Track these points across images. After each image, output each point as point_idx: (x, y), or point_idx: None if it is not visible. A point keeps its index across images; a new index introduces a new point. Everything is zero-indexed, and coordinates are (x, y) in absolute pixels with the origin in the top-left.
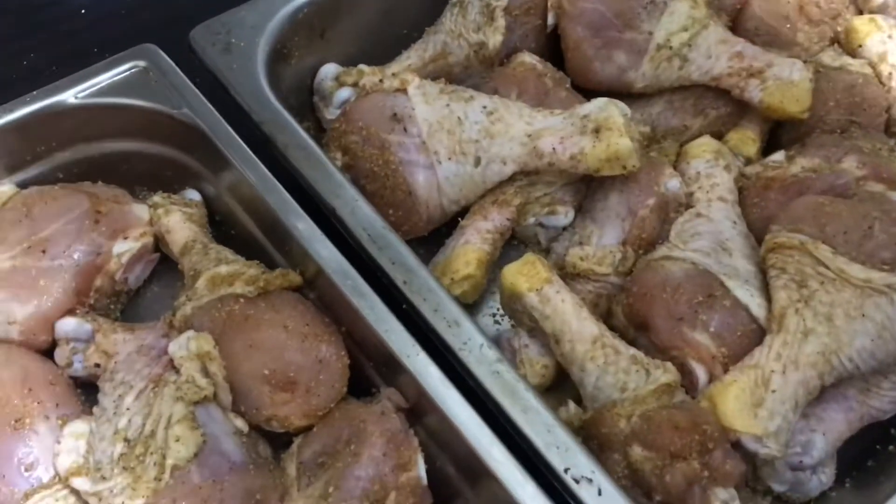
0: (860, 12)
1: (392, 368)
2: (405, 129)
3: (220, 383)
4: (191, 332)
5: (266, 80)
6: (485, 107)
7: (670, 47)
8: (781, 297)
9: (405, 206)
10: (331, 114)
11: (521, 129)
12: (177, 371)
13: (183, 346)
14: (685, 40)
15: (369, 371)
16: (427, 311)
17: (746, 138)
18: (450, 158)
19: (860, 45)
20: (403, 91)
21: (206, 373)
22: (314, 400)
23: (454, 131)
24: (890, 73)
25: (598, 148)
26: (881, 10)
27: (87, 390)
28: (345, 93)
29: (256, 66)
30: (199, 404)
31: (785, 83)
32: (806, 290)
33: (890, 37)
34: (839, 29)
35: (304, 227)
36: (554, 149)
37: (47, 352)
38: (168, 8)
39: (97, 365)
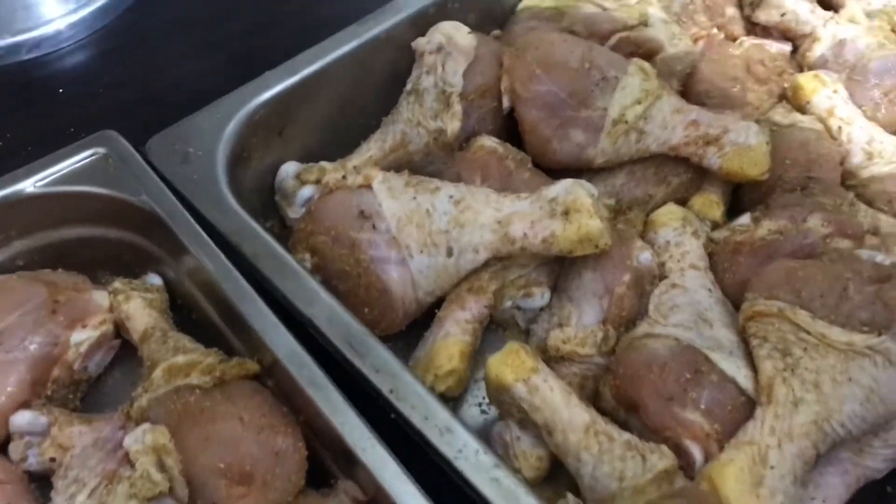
0: (801, 68)
1: (349, 460)
2: (374, 226)
3: (175, 477)
4: (146, 425)
5: (228, 187)
6: (451, 196)
7: (626, 122)
8: (767, 368)
9: (381, 303)
10: (294, 212)
11: (490, 215)
12: (132, 465)
13: (139, 440)
14: (640, 113)
15: (328, 462)
16: (418, 420)
17: (710, 202)
18: (421, 251)
19: (808, 102)
20: (368, 187)
21: (161, 467)
22: (271, 493)
23: (423, 224)
24: (839, 128)
25: (570, 230)
26: (819, 64)
27: (46, 484)
28: (307, 191)
29: (217, 175)
30: (154, 500)
31: (742, 148)
32: (790, 357)
33: (835, 91)
34: (786, 85)
35: (259, 315)
36: (525, 234)
37: (2, 446)
38: (147, 85)
39: (52, 459)
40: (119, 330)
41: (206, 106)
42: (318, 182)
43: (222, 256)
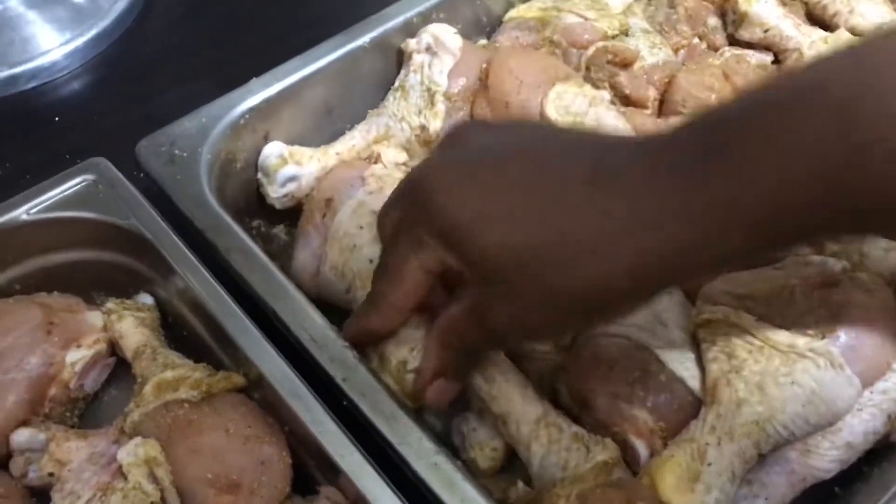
0: None
1: (331, 468)
2: None
3: (167, 488)
4: (138, 439)
5: (209, 187)
6: None
7: None
8: (713, 370)
9: None
10: (275, 192)
11: None
12: (125, 478)
13: (131, 453)
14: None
15: (313, 470)
16: (366, 408)
17: None
18: None
19: None
20: None
21: (153, 478)
22: (257, 501)
23: None
24: None
25: None
26: None
27: (47, 498)
28: (289, 170)
29: (200, 175)
30: None
31: None
32: (736, 360)
33: None
34: None
35: (244, 331)
36: None
37: (3, 462)
38: (141, 108)
39: (51, 474)
40: (114, 348)
41: (193, 111)
42: (299, 163)
43: (208, 275)
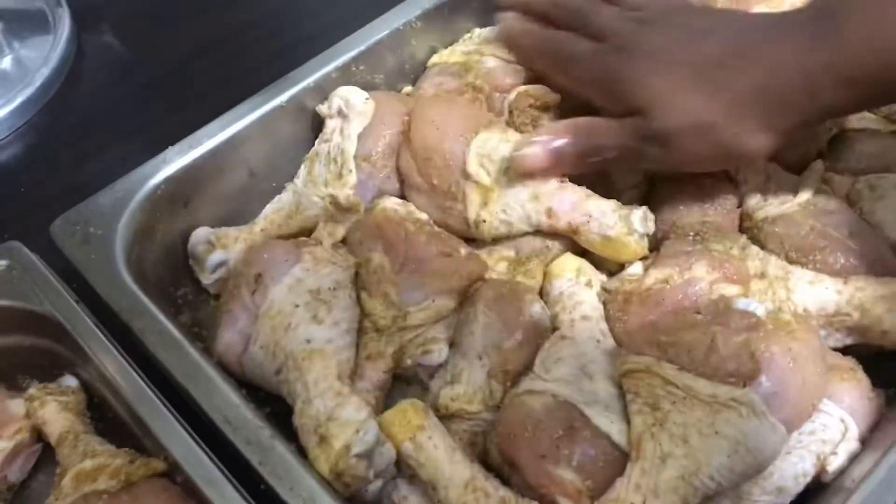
0: None
1: None
2: None
3: None
4: None
5: (125, 265)
6: None
7: (485, 220)
8: (637, 423)
9: None
10: (207, 278)
11: None
12: None
13: None
14: (494, 211)
15: None
16: (283, 491)
17: None
18: None
19: None
20: None
21: None
22: None
23: None
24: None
25: None
26: None
27: None
28: (218, 256)
29: (115, 254)
30: None
31: (605, 238)
32: (660, 412)
33: None
34: None
35: (157, 416)
36: None
37: None
38: (69, 177)
39: None
40: (40, 434)
41: (108, 185)
42: (225, 247)
43: (121, 359)
